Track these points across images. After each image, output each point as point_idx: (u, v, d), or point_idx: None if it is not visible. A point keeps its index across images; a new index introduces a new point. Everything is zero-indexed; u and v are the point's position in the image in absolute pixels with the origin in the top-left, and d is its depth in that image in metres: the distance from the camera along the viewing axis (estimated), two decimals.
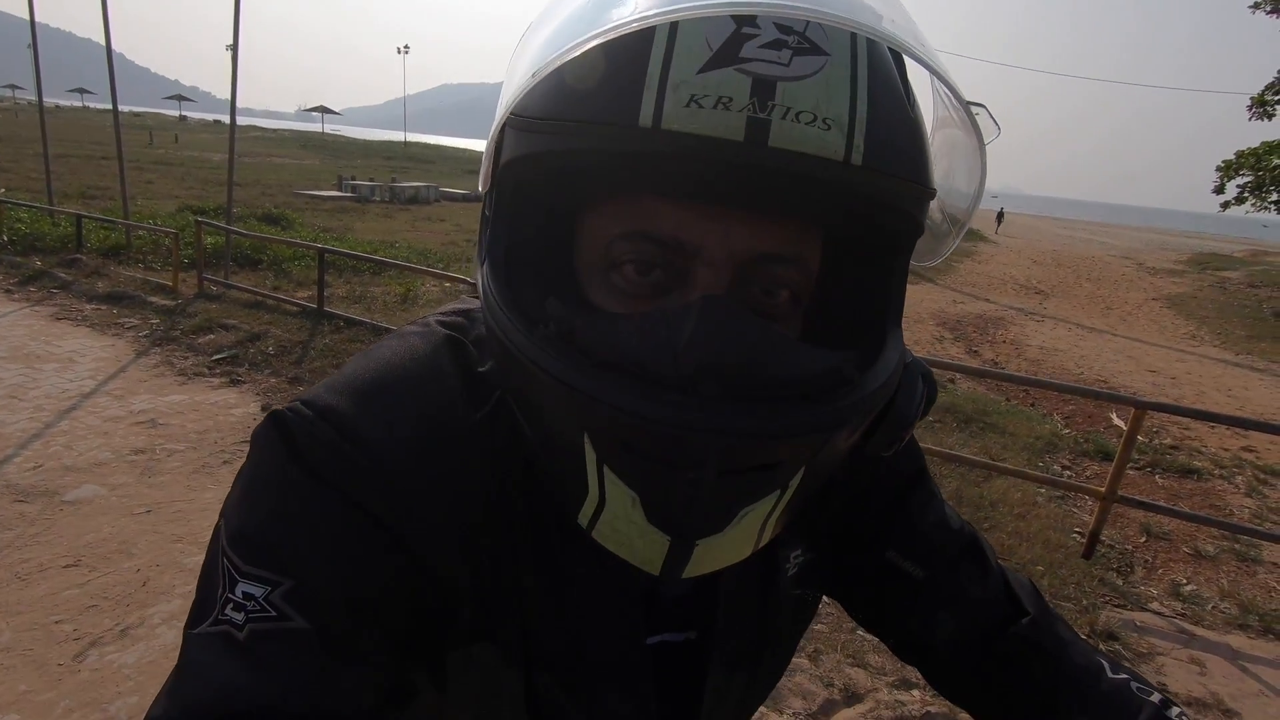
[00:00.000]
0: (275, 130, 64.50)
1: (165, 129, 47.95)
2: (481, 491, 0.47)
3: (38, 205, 9.01)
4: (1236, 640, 3.11)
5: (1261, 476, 5.25)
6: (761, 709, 2.46)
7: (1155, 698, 0.57)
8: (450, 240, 12.75)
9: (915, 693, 2.58)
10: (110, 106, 7.97)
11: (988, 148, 0.40)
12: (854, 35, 0.36)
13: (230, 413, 4.37)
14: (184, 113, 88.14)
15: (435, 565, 0.45)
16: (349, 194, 18.86)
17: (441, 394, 0.47)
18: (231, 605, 0.41)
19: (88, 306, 6.26)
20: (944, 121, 0.44)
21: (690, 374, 0.36)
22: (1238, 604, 3.38)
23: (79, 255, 7.68)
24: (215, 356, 5.24)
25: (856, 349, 0.43)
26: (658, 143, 0.35)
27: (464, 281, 5.77)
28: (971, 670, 0.62)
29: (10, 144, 22.94)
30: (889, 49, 0.39)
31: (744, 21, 0.35)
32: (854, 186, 0.37)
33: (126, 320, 5.96)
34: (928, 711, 2.48)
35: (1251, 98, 19.09)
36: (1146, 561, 3.77)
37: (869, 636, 2.85)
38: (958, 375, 7.04)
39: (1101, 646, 2.97)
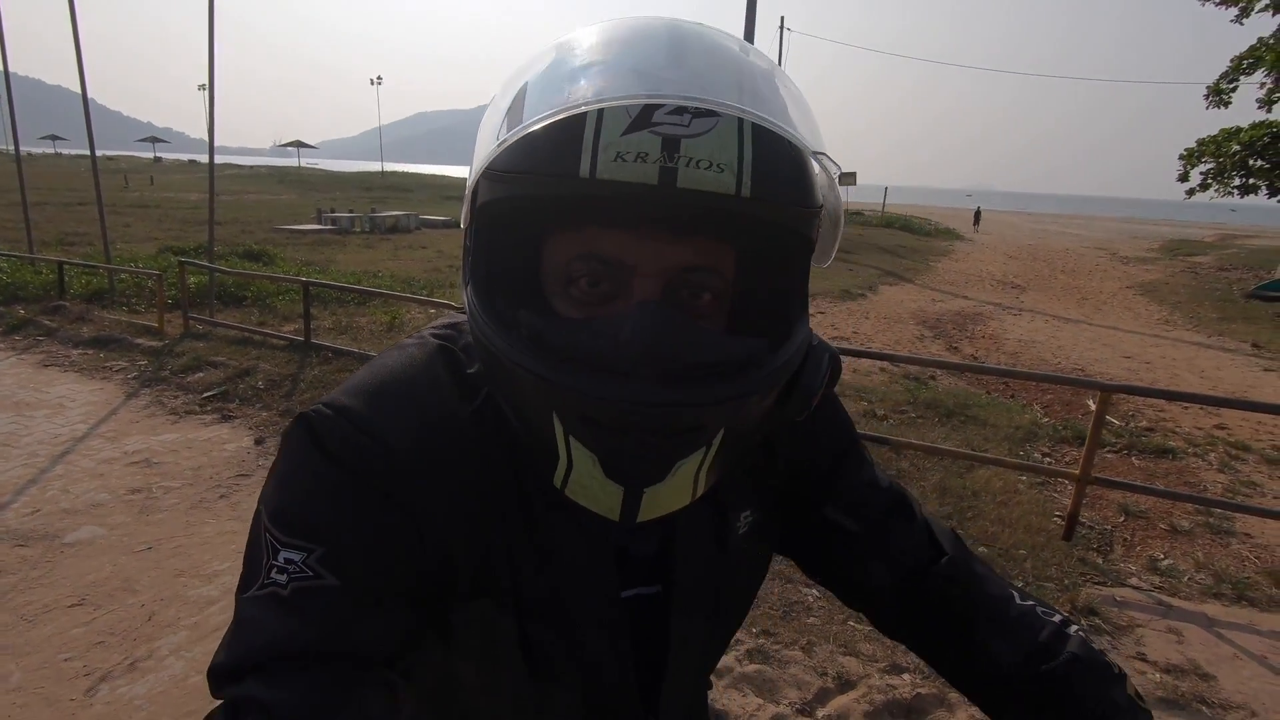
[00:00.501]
0: (251, 167, 64.37)
1: (139, 171, 47.74)
2: (475, 470, 0.57)
3: (18, 254, 9.02)
4: (1212, 609, 3.23)
5: (1233, 452, 5.41)
6: (758, 699, 2.55)
7: (1057, 619, 0.68)
8: (433, 267, 12.83)
9: (905, 676, 2.67)
10: (84, 152, 8.03)
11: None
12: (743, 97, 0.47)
13: (224, 448, 4.42)
14: (158, 154, 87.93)
15: (438, 532, 0.55)
16: (329, 226, 18.90)
17: (437, 392, 0.57)
18: (275, 570, 0.51)
19: (74, 352, 6.28)
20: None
21: (630, 362, 0.47)
22: (1212, 574, 3.51)
23: (63, 302, 7.70)
24: (205, 394, 5.29)
25: (769, 337, 0.54)
26: (594, 188, 0.45)
27: (450, 306, 5.85)
28: (905, 609, 0.72)
29: None
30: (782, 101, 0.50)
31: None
32: (747, 213, 0.48)
33: (114, 363, 6.00)
34: (918, 694, 2.58)
35: (1208, 86, 19.61)
36: (1125, 540, 3.90)
37: (860, 627, 2.96)
38: (938, 372, 7.20)
39: (1082, 622, 3.08)
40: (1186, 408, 6.51)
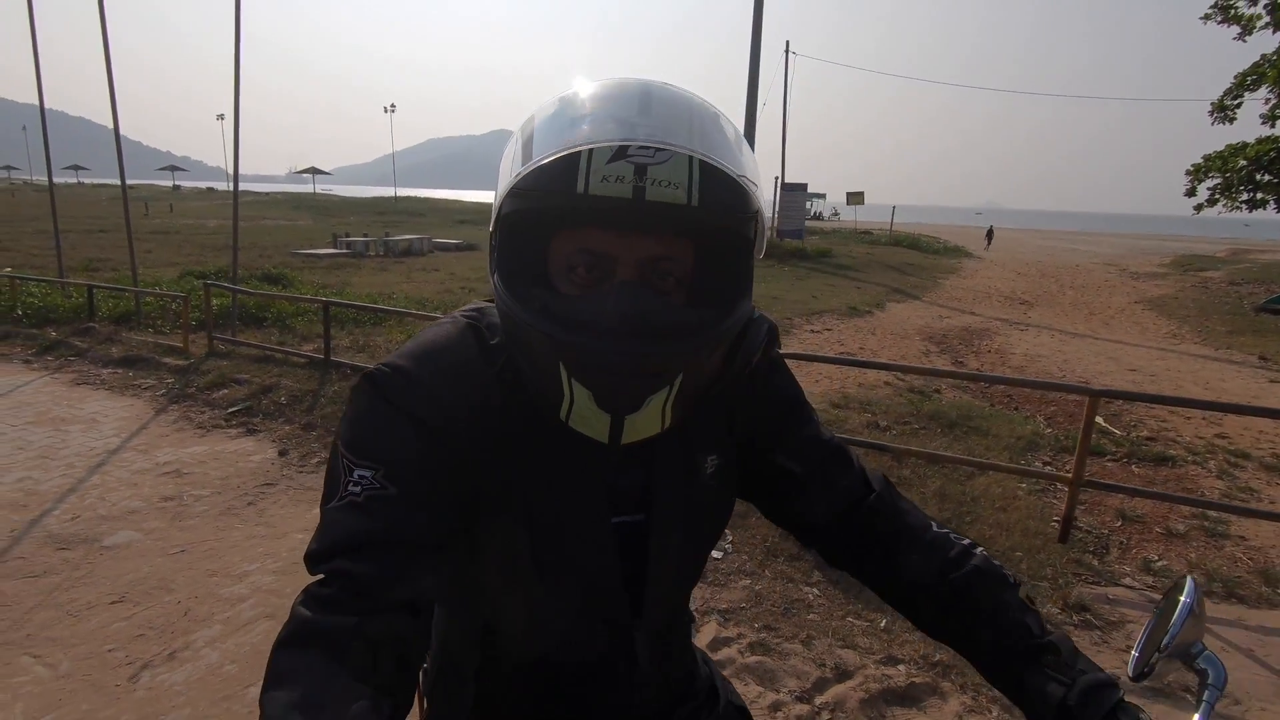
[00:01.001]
0: (268, 193, 65.62)
1: (158, 198, 48.89)
2: (497, 417, 0.75)
3: (49, 279, 9.37)
4: None
5: (1232, 460, 5.49)
6: (759, 688, 2.68)
7: (965, 542, 0.85)
8: (446, 289, 13.12)
9: (901, 668, 2.79)
10: (104, 181, 8.38)
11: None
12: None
13: (249, 459, 4.62)
14: (177, 182, 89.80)
15: (469, 461, 0.73)
16: (344, 250, 19.32)
17: (466, 354, 0.76)
18: (351, 484, 0.69)
19: (104, 371, 6.55)
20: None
21: (613, 323, 0.66)
22: (1204, 573, 3.61)
23: (92, 324, 8.00)
24: (230, 409, 5.51)
25: (718, 309, 0.71)
26: (588, 202, 0.64)
27: None
28: (843, 538, 0.89)
29: (9, 223, 23.54)
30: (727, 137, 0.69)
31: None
32: (697, 218, 0.66)
33: (142, 381, 6.25)
34: (912, 682, 2.70)
35: (1212, 103, 19.75)
36: (1121, 543, 4.00)
37: (858, 621, 3.09)
38: (942, 385, 7.32)
39: (1073, 619, 3.19)
40: (1189, 418, 6.60)
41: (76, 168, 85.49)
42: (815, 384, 7.10)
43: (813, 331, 10.34)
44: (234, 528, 3.69)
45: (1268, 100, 18.31)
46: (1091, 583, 3.50)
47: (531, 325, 0.67)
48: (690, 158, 0.64)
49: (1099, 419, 6.56)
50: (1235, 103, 19.17)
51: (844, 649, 2.90)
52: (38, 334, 7.69)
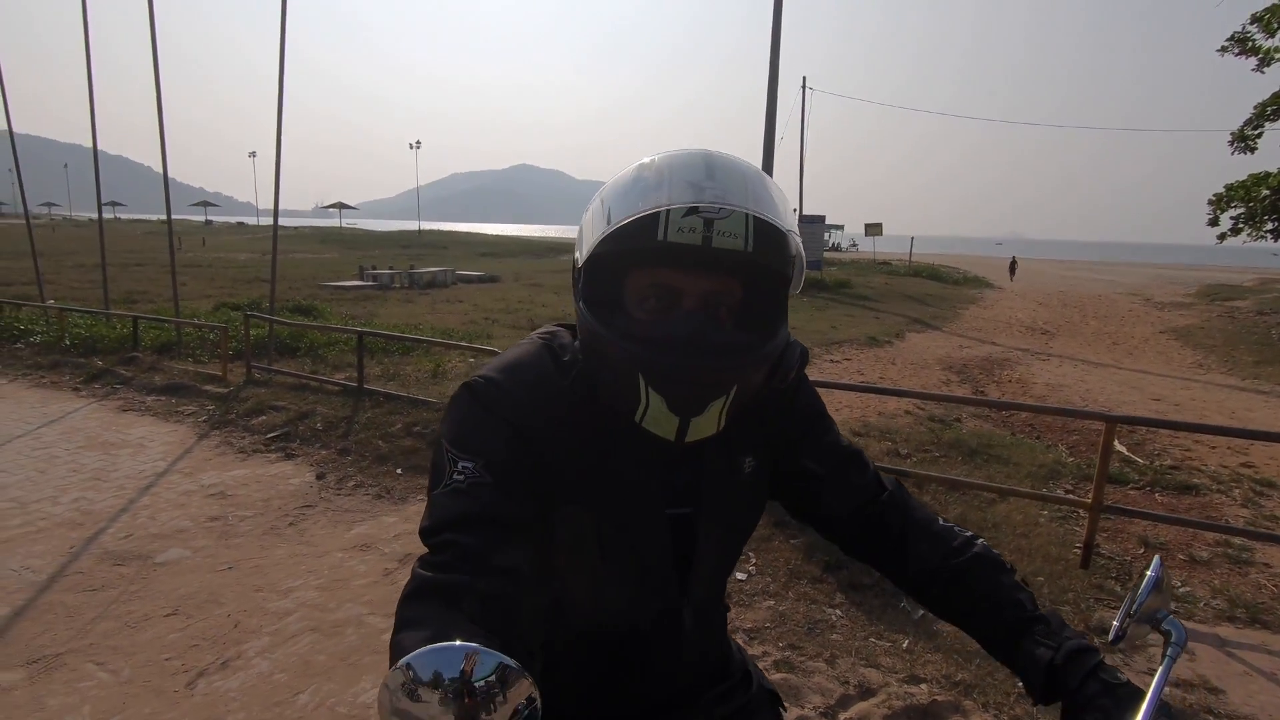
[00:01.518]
0: (295, 227, 67.32)
1: (190, 233, 50.41)
2: (571, 422, 0.90)
3: (95, 310, 9.77)
4: (1225, 630, 3.36)
5: (1258, 489, 5.48)
6: (785, 704, 2.76)
7: (968, 533, 0.98)
8: (470, 319, 13.41)
9: (923, 686, 2.86)
10: (142, 216, 8.81)
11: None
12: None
13: (289, 482, 4.81)
14: (209, 217, 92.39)
15: (547, 457, 0.88)
16: (370, 283, 19.82)
17: (544, 369, 0.91)
18: (455, 474, 0.84)
19: (149, 398, 6.82)
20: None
21: (682, 343, 0.82)
22: (1227, 599, 3.63)
23: (136, 353, 8.33)
24: (269, 435, 5.72)
25: (762, 334, 0.87)
26: (666, 247, 0.81)
27: (491, 352, 6.26)
28: (859, 531, 1.03)
29: (51, 257, 24.35)
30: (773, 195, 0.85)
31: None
32: (752, 261, 0.82)
33: (185, 408, 6.50)
34: (934, 700, 2.77)
35: (1232, 133, 19.77)
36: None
37: (880, 641, 3.16)
38: (964, 415, 7.37)
39: (1095, 640, 3.23)
40: (1214, 447, 6.59)
41: (114, 204, 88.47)
42: (836, 413, 7.16)
43: (832, 361, 10.42)
44: (277, 546, 3.86)
45: None
46: (1113, 607, 3.54)
47: (616, 343, 0.83)
48: (747, 214, 0.80)
49: (1122, 448, 6.58)
50: (1256, 132, 19.16)
51: (867, 668, 2.98)
52: (84, 363, 8.03)
